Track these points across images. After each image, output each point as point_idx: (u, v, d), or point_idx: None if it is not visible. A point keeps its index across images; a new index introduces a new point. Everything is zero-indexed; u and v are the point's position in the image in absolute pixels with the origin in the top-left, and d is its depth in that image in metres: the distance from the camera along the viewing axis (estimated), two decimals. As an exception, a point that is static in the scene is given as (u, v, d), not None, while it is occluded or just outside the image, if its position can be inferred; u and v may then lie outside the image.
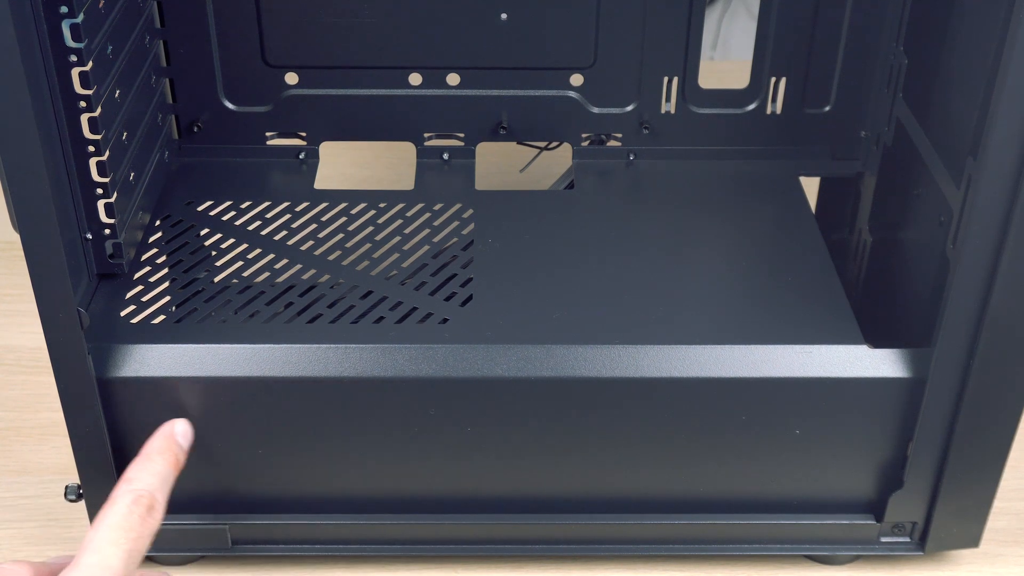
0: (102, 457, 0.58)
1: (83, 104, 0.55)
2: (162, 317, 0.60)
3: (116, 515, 0.50)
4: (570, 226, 0.67)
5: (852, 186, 0.74)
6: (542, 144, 0.75)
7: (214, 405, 0.58)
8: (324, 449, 0.60)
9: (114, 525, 0.50)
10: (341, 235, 0.67)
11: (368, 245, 0.66)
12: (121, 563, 0.48)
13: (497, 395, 0.58)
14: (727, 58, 1.65)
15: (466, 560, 0.64)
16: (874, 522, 0.63)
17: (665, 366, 0.57)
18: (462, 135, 0.73)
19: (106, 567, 0.48)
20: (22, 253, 0.51)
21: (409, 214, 0.68)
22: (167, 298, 0.61)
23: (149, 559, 0.64)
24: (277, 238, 0.66)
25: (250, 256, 0.65)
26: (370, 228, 0.67)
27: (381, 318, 0.60)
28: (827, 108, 0.72)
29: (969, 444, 0.59)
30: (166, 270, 0.63)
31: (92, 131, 0.56)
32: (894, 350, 0.58)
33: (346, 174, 0.93)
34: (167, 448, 0.55)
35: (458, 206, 0.69)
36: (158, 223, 0.67)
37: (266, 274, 0.64)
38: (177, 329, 0.59)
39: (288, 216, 0.68)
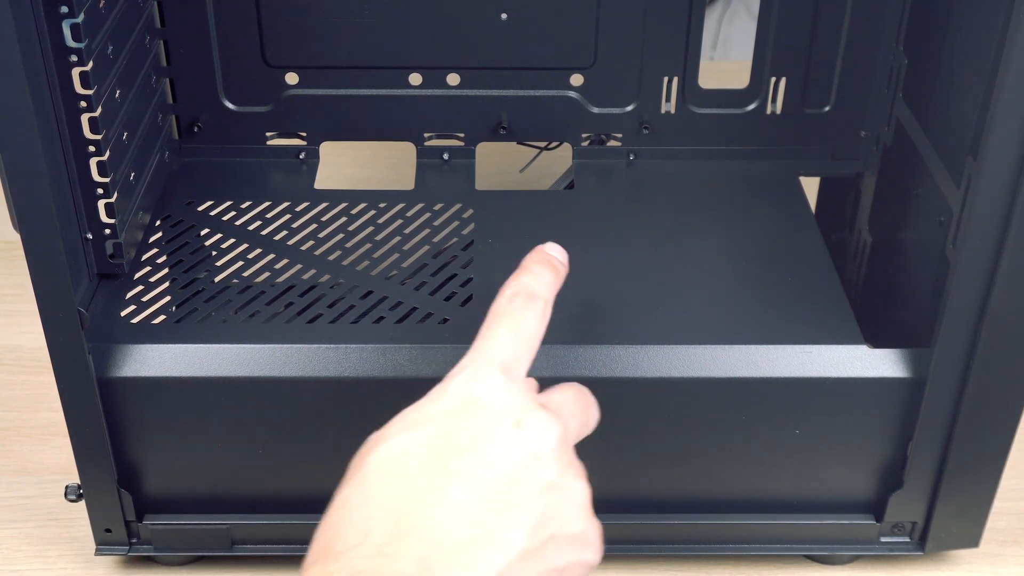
0: (102, 457, 0.58)
1: (83, 104, 0.55)
2: (162, 317, 0.60)
3: (497, 306, 0.49)
4: (570, 226, 0.67)
5: (852, 186, 0.74)
6: (542, 144, 0.75)
7: (214, 405, 0.58)
8: (324, 449, 0.60)
9: (495, 312, 0.48)
10: (341, 235, 0.67)
11: (368, 245, 0.66)
12: (505, 345, 0.47)
13: (497, 395, 0.57)
14: (727, 58, 1.65)
15: (466, 560, 0.64)
16: (874, 522, 0.63)
17: (665, 366, 0.57)
18: (462, 135, 0.73)
19: (489, 349, 0.46)
20: (22, 253, 0.51)
21: (409, 214, 0.68)
22: (167, 298, 0.61)
23: (149, 559, 0.64)
24: (277, 238, 0.66)
25: (250, 256, 0.65)
26: (370, 228, 0.67)
27: (381, 318, 0.60)
28: (827, 108, 0.72)
29: (969, 444, 0.59)
30: (166, 270, 0.63)
31: (92, 131, 0.56)
32: (894, 350, 0.58)
33: (346, 174, 0.93)
34: (543, 259, 0.51)
35: (458, 206, 0.69)
36: (158, 223, 0.67)
37: (266, 274, 0.64)
38: (177, 329, 0.59)
39: (288, 216, 0.68)
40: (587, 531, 0.44)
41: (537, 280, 0.49)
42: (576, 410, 0.47)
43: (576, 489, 0.44)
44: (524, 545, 0.41)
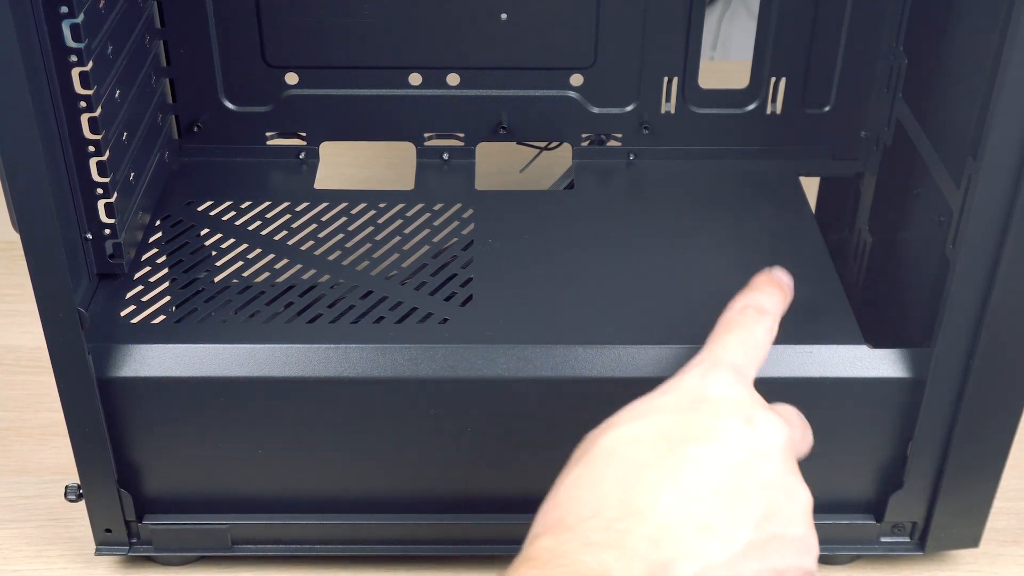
0: (102, 457, 0.58)
1: (83, 104, 0.55)
2: (162, 317, 0.60)
3: (726, 317, 0.50)
4: (570, 226, 0.67)
5: (852, 186, 0.74)
6: (542, 144, 0.75)
7: (214, 405, 0.58)
8: (324, 449, 0.60)
9: (726, 322, 0.50)
10: (341, 235, 0.67)
11: (368, 245, 0.66)
12: (736, 350, 0.48)
13: (497, 395, 0.58)
14: (727, 58, 1.65)
15: (466, 560, 0.64)
16: (874, 522, 0.63)
17: (665, 366, 0.57)
18: (462, 135, 0.73)
19: (722, 351, 0.48)
20: (22, 253, 0.51)
21: (409, 214, 0.68)
22: (167, 298, 0.61)
23: (149, 559, 0.64)
24: (277, 238, 0.66)
25: (250, 256, 0.65)
26: (370, 228, 0.67)
27: (381, 318, 0.60)
28: (827, 108, 0.72)
29: (969, 444, 0.59)
30: (166, 270, 0.63)
31: (92, 131, 0.56)
32: (894, 350, 0.58)
33: (346, 174, 0.93)
34: (772, 280, 0.54)
35: (458, 206, 0.69)
36: (158, 223, 0.67)
37: (266, 274, 0.64)
38: (177, 329, 0.59)
39: (288, 216, 0.68)
40: (808, 536, 0.44)
41: (766, 298, 0.52)
42: (798, 423, 0.48)
43: (801, 493, 0.45)
44: (749, 538, 0.42)
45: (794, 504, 0.44)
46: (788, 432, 0.46)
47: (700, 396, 0.46)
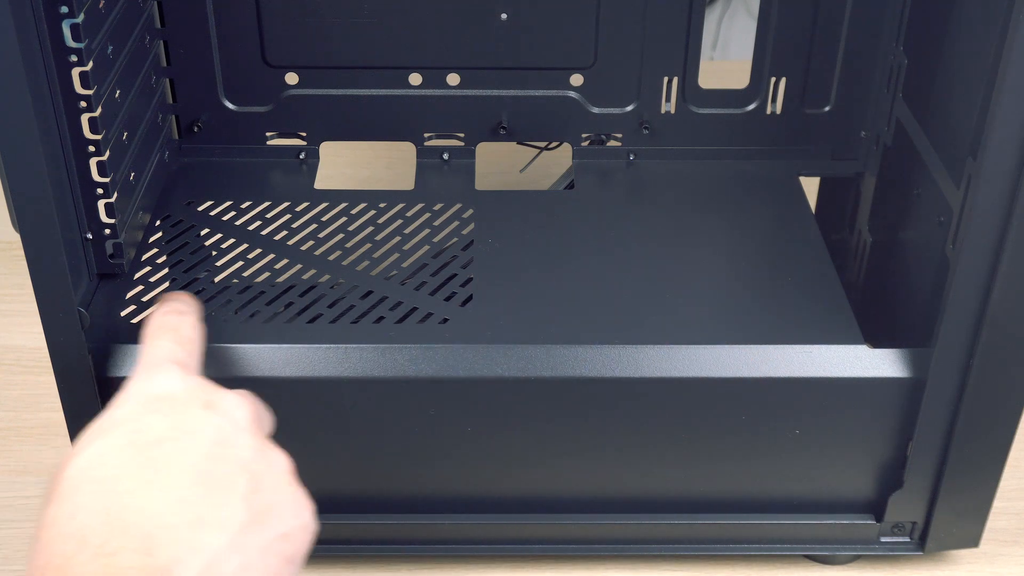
0: (102, 457, 0.58)
1: (83, 104, 0.55)
2: (162, 317, 0.60)
3: (151, 326, 0.51)
4: (570, 226, 0.67)
5: (852, 186, 0.74)
6: (542, 144, 0.75)
7: (214, 405, 0.58)
8: (323, 449, 0.60)
9: (151, 329, 0.51)
10: (341, 235, 0.67)
11: (368, 245, 0.66)
12: (171, 347, 0.50)
13: (497, 395, 0.58)
14: (727, 58, 1.65)
15: (466, 560, 0.64)
16: (874, 522, 0.63)
17: (665, 366, 0.57)
18: (462, 135, 0.73)
19: (157, 353, 0.49)
20: (22, 253, 0.51)
21: (409, 214, 0.68)
22: (167, 298, 0.61)
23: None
24: (277, 238, 0.66)
25: (250, 256, 0.65)
26: (370, 228, 0.67)
27: (381, 318, 0.60)
28: (827, 108, 0.72)
29: (969, 444, 0.59)
30: (166, 270, 0.63)
31: (92, 131, 0.56)
32: (894, 350, 0.58)
33: (346, 174, 0.93)
34: (174, 294, 0.56)
35: (458, 206, 0.69)
36: (158, 223, 0.67)
37: (266, 274, 0.64)
38: (177, 329, 0.59)
39: (288, 216, 0.68)
40: (295, 495, 0.44)
41: (178, 303, 0.53)
42: (255, 399, 0.48)
43: (276, 457, 0.45)
44: (243, 517, 0.41)
45: (274, 470, 0.44)
46: (250, 406, 0.46)
47: (153, 397, 0.45)
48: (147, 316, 0.53)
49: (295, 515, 0.44)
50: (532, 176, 0.79)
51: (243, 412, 0.46)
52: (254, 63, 0.71)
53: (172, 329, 0.51)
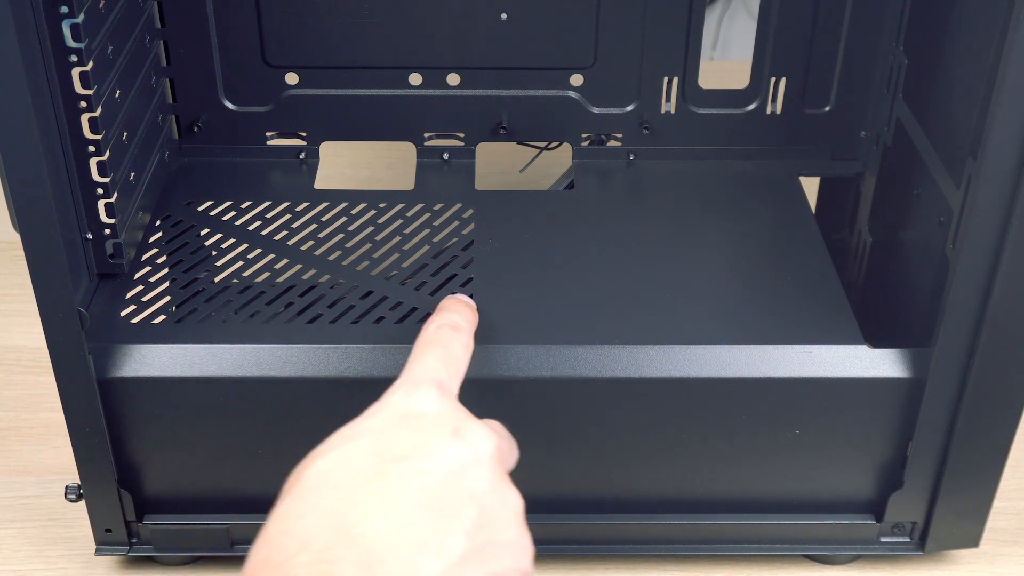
0: (102, 457, 0.58)
1: (83, 104, 0.55)
2: (162, 317, 0.60)
3: (423, 337, 0.51)
4: (570, 226, 0.67)
5: (852, 186, 0.74)
6: (542, 144, 0.75)
7: (214, 405, 0.58)
8: (324, 449, 0.60)
9: (423, 341, 0.51)
10: (341, 235, 0.67)
11: (368, 245, 0.66)
12: (436, 367, 0.49)
13: (497, 395, 0.58)
14: (727, 58, 1.65)
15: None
16: (874, 522, 0.63)
17: (665, 366, 0.57)
18: (462, 135, 0.73)
19: (423, 370, 0.49)
20: (22, 253, 0.51)
21: (409, 214, 0.68)
22: (167, 298, 0.61)
23: (149, 559, 0.64)
24: (277, 238, 0.66)
25: (250, 256, 0.65)
26: (370, 228, 0.67)
27: (381, 318, 0.60)
28: (827, 108, 0.72)
29: (969, 444, 0.59)
30: (166, 270, 0.63)
31: (92, 131, 0.56)
32: (894, 350, 0.58)
33: (346, 174, 0.93)
34: (459, 300, 0.56)
35: (458, 206, 0.69)
36: (158, 223, 0.67)
37: (266, 274, 0.64)
38: (177, 329, 0.59)
39: (288, 216, 0.68)
40: (521, 537, 0.44)
41: (457, 316, 0.53)
42: (505, 434, 0.48)
43: (511, 497, 0.44)
44: (463, 549, 0.41)
45: (506, 508, 0.44)
46: (496, 440, 0.45)
47: (406, 413, 0.45)
48: (425, 321, 0.53)
49: (515, 558, 0.43)
50: (532, 176, 0.79)
51: (488, 445, 0.45)
52: (254, 63, 0.71)
53: (443, 346, 0.50)
